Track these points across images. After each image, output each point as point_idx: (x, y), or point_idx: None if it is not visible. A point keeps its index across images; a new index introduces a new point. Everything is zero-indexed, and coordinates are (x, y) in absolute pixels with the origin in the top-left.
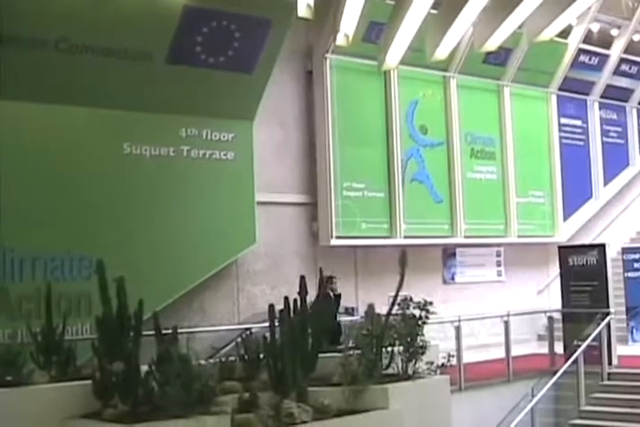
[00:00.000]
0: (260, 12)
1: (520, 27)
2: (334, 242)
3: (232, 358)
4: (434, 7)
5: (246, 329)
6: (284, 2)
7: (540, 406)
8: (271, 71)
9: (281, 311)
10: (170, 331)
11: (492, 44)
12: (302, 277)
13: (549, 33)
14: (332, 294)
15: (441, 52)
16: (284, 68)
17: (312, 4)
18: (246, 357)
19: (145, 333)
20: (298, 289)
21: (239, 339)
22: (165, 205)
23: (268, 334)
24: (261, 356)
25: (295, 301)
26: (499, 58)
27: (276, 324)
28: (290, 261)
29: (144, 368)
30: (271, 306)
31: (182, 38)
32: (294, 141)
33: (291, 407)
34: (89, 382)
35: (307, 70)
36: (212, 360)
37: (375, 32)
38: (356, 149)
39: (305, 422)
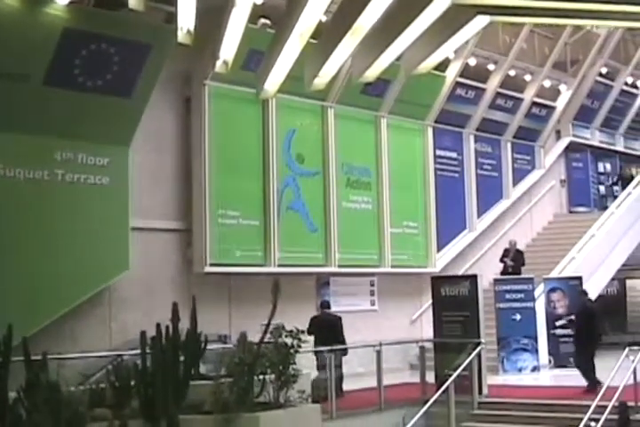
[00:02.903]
0: (139, 36)
1: (398, 59)
2: (208, 269)
3: (103, 386)
4: (313, 37)
5: (118, 356)
6: (164, 27)
7: None
8: (149, 96)
9: (153, 338)
10: (39, 357)
11: (370, 75)
12: (175, 305)
13: (427, 66)
14: None
15: (319, 82)
16: (162, 93)
17: (192, 30)
18: (117, 384)
19: (14, 359)
20: (170, 316)
21: (110, 366)
22: (38, 228)
23: (139, 362)
24: (132, 383)
25: (167, 328)
26: (377, 89)
27: (148, 351)
28: (163, 288)
29: (12, 395)
30: (143, 333)
31: (60, 60)
32: (170, 168)
33: None
34: None
35: (185, 96)
36: (82, 387)
37: (255, 60)
38: (232, 176)
39: None
